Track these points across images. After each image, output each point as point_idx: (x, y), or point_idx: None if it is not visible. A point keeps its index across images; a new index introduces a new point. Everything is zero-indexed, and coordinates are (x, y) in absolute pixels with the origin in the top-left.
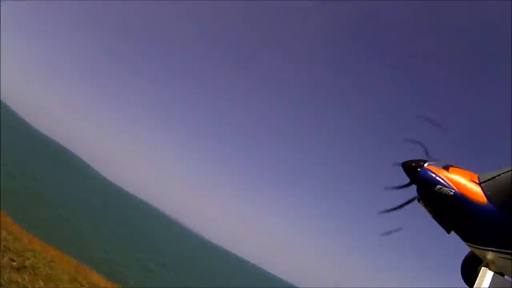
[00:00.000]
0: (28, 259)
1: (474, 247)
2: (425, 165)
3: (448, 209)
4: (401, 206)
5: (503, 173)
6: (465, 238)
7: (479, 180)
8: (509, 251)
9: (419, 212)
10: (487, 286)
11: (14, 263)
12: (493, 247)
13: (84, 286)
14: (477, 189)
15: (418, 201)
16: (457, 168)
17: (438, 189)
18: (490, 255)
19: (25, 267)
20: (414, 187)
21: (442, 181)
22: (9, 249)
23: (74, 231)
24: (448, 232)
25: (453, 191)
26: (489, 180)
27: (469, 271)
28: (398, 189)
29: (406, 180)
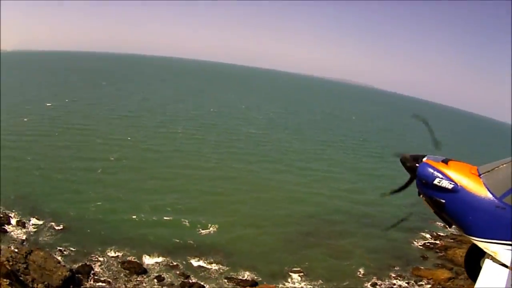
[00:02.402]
0: None
1: (477, 240)
2: (424, 159)
3: (448, 203)
4: (402, 188)
5: (502, 164)
6: (467, 231)
7: (478, 172)
8: None
9: None
10: (492, 278)
11: None
12: (496, 239)
13: None
14: (477, 181)
15: (419, 195)
16: (456, 162)
17: (438, 182)
18: (493, 247)
19: None
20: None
21: (441, 174)
22: None
23: None
24: (450, 226)
25: (452, 184)
26: (489, 171)
27: (473, 264)
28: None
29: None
